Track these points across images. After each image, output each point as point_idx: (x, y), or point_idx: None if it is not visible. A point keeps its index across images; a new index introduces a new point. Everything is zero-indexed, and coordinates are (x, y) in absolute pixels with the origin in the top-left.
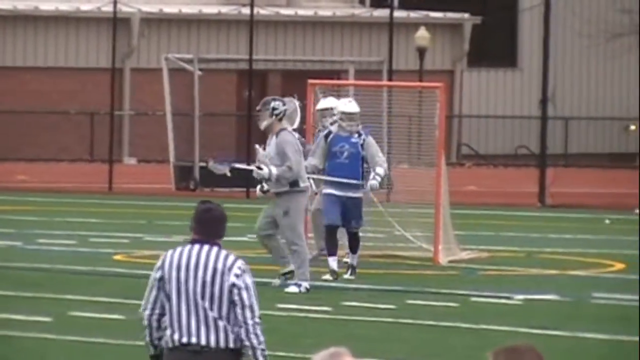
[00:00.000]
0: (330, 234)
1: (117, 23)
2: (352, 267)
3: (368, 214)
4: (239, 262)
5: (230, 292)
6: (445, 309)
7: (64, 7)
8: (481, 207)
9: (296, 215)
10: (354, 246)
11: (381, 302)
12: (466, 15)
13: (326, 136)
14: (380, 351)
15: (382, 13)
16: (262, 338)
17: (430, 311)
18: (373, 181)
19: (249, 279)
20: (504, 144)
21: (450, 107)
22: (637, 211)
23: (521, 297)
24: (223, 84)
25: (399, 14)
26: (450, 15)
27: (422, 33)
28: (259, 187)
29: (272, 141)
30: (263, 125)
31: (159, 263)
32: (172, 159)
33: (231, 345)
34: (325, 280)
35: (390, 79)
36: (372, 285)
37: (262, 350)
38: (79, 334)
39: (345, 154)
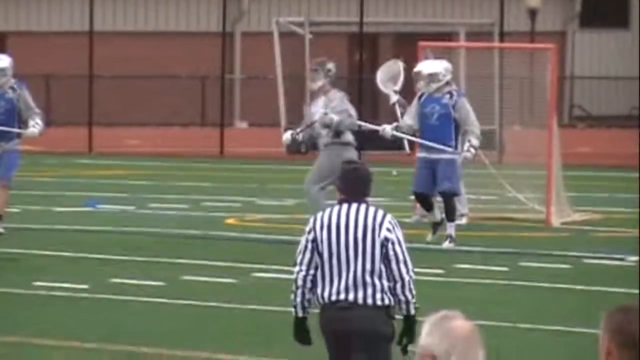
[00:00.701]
0: (421, 202)
1: None
2: (450, 237)
3: (479, 176)
4: (389, 217)
5: (383, 246)
6: (558, 270)
7: None
8: (594, 169)
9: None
10: (448, 213)
11: (494, 264)
12: None
13: (419, 97)
14: (493, 314)
15: None
16: (414, 292)
17: (543, 273)
18: (467, 153)
19: (400, 233)
20: (617, 105)
21: (562, 68)
22: None
23: (634, 258)
24: (334, 48)
25: None
26: None
27: None
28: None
29: (320, 101)
30: (317, 85)
31: (309, 225)
32: (283, 122)
33: (380, 302)
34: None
35: (501, 41)
36: (485, 248)
37: (414, 304)
38: (191, 298)
39: (436, 115)
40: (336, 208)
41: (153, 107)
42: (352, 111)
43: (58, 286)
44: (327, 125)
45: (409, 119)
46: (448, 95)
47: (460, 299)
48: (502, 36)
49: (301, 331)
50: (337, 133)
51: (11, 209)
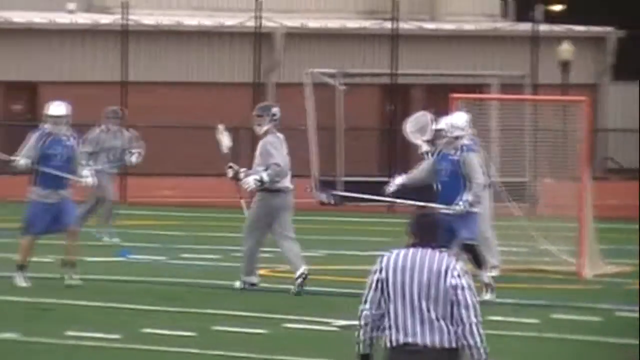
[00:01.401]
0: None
1: (260, 38)
2: (488, 286)
3: (510, 227)
4: (458, 264)
5: (450, 292)
6: (590, 323)
7: (208, 22)
8: (626, 221)
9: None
10: (477, 261)
11: (525, 316)
12: (610, 28)
13: (438, 153)
14: None
15: (525, 27)
16: (483, 337)
17: (574, 325)
18: (456, 206)
19: (468, 280)
20: None
21: (594, 120)
22: None
23: None
24: (366, 99)
25: (542, 27)
26: (594, 28)
27: (566, 46)
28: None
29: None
30: (263, 129)
31: (378, 265)
32: (315, 173)
33: (449, 345)
34: None
35: (533, 93)
36: (516, 300)
37: (485, 349)
38: (222, 348)
39: (446, 172)
40: (406, 251)
41: (186, 157)
42: (277, 158)
43: (89, 336)
44: (261, 186)
45: (418, 172)
46: (454, 152)
47: (492, 351)
48: (535, 88)
49: None
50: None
51: (45, 259)
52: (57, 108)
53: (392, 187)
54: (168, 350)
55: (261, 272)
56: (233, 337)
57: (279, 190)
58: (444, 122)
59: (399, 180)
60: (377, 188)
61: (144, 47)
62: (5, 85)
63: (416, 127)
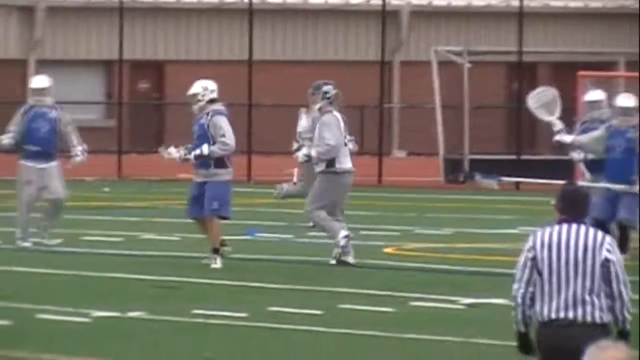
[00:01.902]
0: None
1: (386, 16)
2: None
3: None
4: (608, 238)
5: (603, 266)
6: None
7: (334, 0)
8: None
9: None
10: (622, 244)
11: None
12: None
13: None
14: None
15: None
16: (631, 311)
17: None
18: (634, 185)
19: (619, 255)
20: None
21: None
22: None
23: None
24: (492, 77)
25: None
26: None
27: None
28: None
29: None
30: (317, 107)
31: (529, 244)
32: (441, 151)
33: (600, 320)
34: None
35: None
36: None
37: (629, 321)
38: (349, 326)
39: (620, 149)
40: (557, 228)
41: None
42: (331, 140)
43: (217, 314)
44: (311, 160)
45: (588, 139)
46: (632, 129)
47: None
48: None
49: (525, 345)
50: (329, 162)
51: (171, 238)
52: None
53: (564, 137)
54: (295, 328)
55: (387, 250)
56: (359, 315)
57: (344, 172)
58: (620, 99)
59: (567, 138)
60: (504, 166)
61: (269, 25)
62: (132, 64)
63: (539, 102)
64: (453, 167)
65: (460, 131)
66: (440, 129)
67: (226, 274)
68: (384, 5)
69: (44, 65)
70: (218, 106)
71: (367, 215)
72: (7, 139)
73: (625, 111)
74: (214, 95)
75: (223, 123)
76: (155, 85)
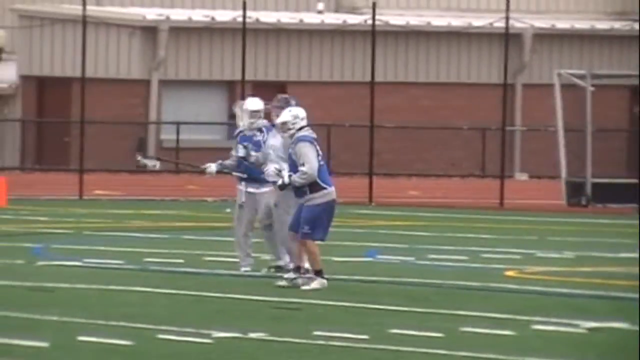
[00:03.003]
0: None
1: (509, 39)
2: None
3: None
4: None
5: None
6: None
7: (456, 22)
8: None
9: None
10: None
11: None
12: None
13: None
14: None
15: None
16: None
17: None
18: None
19: None
20: None
21: None
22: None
23: None
24: (615, 100)
25: None
26: None
27: None
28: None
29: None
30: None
31: None
32: (563, 174)
33: None
34: None
35: None
36: None
37: None
38: (469, 349)
39: None
40: None
41: (433, 157)
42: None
43: (337, 336)
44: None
45: None
46: None
47: None
48: None
49: None
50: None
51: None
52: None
53: None
54: (415, 350)
55: (509, 273)
56: (480, 338)
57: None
58: None
59: None
60: (626, 190)
61: (391, 47)
62: (254, 84)
63: None
64: (575, 190)
65: (582, 154)
66: (562, 151)
67: (346, 296)
68: (507, 27)
69: (167, 86)
70: (305, 132)
71: (488, 239)
72: (213, 166)
73: None
74: (304, 122)
75: (305, 150)
76: None
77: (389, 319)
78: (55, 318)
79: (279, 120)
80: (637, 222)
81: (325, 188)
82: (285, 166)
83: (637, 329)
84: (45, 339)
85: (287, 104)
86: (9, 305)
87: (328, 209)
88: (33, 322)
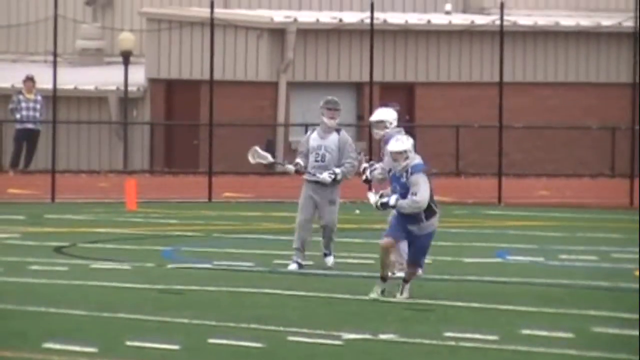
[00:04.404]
0: None
1: (638, 38)
2: None
3: None
4: None
5: None
6: None
7: (585, 22)
8: None
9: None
10: None
11: None
12: None
13: None
14: None
15: None
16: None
17: None
18: None
19: None
20: None
21: None
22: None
23: None
24: None
25: None
26: None
27: None
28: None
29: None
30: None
31: None
32: None
33: None
34: None
35: None
36: None
37: None
38: (600, 349)
39: None
40: None
41: (562, 157)
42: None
43: (468, 337)
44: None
45: None
46: None
47: None
48: None
49: None
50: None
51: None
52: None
53: None
54: (547, 351)
55: (638, 272)
56: (612, 339)
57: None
58: None
59: None
60: None
61: (519, 47)
62: (382, 86)
63: None
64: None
65: None
66: None
67: (476, 297)
68: (636, 26)
69: (294, 88)
70: (418, 159)
71: (618, 238)
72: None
73: None
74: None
75: (420, 180)
76: (405, 107)
77: (519, 319)
78: (186, 320)
79: (398, 149)
80: None
81: (436, 212)
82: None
83: None
84: (177, 341)
85: (339, 105)
86: (140, 308)
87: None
88: (164, 325)
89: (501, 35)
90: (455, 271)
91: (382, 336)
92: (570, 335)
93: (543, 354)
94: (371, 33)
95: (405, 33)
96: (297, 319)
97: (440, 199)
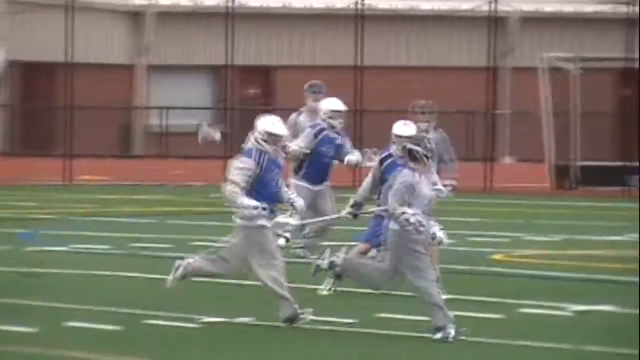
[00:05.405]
0: None
1: (495, 22)
2: None
3: None
4: None
5: None
6: None
7: (444, 6)
8: None
9: None
10: None
11: None
12: None
13: None
14: None
15: None
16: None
17: None
18: None
19: None
20: None
21: None
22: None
23: None
24: (602, 84)
25: None
26: None
27: None
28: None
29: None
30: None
31: None
32: (550, 158)
33: None
34: None
35: None
36: None
37: None
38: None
39: None
40: None
41: None
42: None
43: (325, 320)
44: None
45: None
46: None
47: None
48: None
49: None
50: None
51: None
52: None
53: None
54: (400, 334)
55: (496, 257)
56: (469, 322)
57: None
58: None
59: None
60: (613, 174)
61: (378, 31)
62: (241, 69)
63: None
64: (562, 174)
65: (569, 138)
66: (548, 135)
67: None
68: (493, 11)
69: (153, 71)
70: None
71: (476, 222)
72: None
73: None
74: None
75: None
76: (263, 90)
77: (376, 303)
78: (42, 304)
79: (409, 134)
80: (625, 205)
81: None
82: None
83: (626, 311)
84: (34, 324)
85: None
86: None
87: None
88: (21, 308)
89: (362, 18)
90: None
91: (239, 319)
92: (425, 318)
93: (400, 337)
94: (230, 17)
95: (264, 16)
96: (154, 303)
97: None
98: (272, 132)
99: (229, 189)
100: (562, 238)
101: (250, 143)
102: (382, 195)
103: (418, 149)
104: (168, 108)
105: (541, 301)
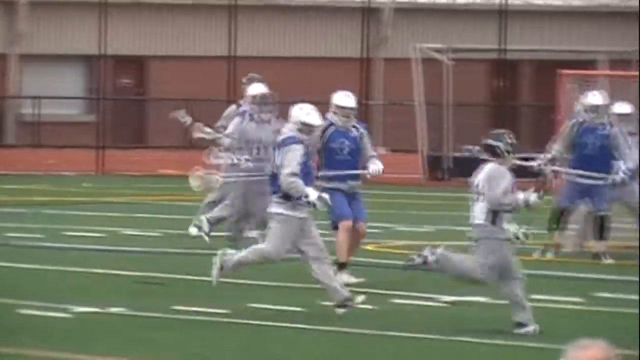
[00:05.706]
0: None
1: (368, 13)
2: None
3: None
4: None
5: None
6: None
7: None
8: None
9: None
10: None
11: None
12: None
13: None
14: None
15: (634, 2)
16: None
17: None
18: (615, 175)
19: None
20: None
21: None
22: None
23: None
24: (474, 74)
25: None
26: None
27: None
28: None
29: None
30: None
31: None
32: (422, 148)
33: None
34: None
35: None
36: (628, 277)
37: None
38: (329, 323)
39: (593, 145)
40: None
41: None
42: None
43: (198, 310)
44: None
45: (560, 147)
46: (602, 126)
47: (603, 327)
48: None
49: None
50: None
51: (153, 233)
52: (346, 99)
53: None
54: (275, 325)
55: (368, 247)
56: (345, 313)
57: None
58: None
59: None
60: (484, 164)
61: (252, 21)
62: (114, 59)
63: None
64: (434, 165)
65: (442, 128)
66: (421, 126)
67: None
68: (366, 2)
69: (26, 60)
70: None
71: None
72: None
73: (594, 109)
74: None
75: None
76: (137, 81)
77: (250, 294)
78: None
79: (351, 105)
80: None
81: None
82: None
83: (497, 302)
84: None
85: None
86: None
87: None
88: None
89: (235, 8)
90: (186, 243)
91: (112, 309)
92: (298, 308)
93: (276, 327)
94: (103, 6)
95: (138, 6)
96: (29, 291)
97: (173, 172)
98: (306, 121)
99: (290, 180)
100: (434, 228)
101: (288, 131)
102: (325, 160)
103: (499, 144)
104: (41, 97)
105: (413, 291)
